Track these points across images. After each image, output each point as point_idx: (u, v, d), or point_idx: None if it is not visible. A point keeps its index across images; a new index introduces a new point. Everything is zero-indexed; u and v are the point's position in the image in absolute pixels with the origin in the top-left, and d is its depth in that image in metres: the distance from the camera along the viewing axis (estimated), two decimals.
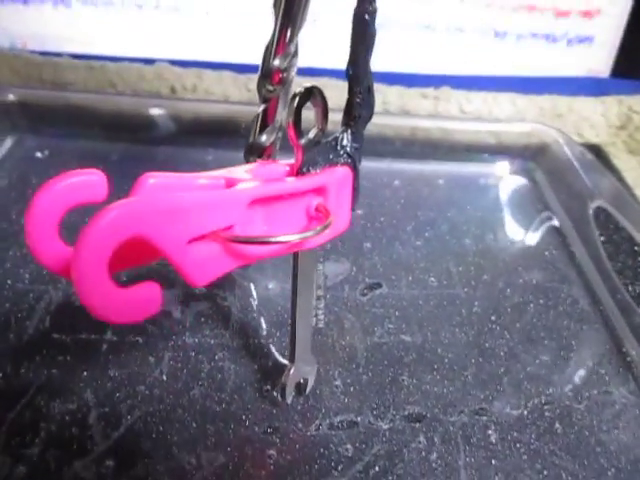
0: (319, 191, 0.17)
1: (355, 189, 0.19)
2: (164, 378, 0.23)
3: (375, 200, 0.32)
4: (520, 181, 0.36)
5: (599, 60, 0.46)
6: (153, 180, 0.15)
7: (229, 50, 0.41)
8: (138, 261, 0.15)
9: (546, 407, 0.24)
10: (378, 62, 0.44)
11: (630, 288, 0.28)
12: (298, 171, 0.17)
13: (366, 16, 0.17)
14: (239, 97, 0.39)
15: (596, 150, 0.41)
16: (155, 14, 0.41)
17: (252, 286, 0.27)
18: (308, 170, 0.17)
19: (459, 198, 0.34)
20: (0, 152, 0.32)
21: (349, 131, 0.18)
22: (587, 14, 0.45)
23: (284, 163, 0.18)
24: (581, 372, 0.25)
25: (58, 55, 0.41)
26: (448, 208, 0.33)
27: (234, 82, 0.40)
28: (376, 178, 0.34)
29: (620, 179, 0.38)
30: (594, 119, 0.42)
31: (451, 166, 0.36)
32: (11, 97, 0.34)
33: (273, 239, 0.15)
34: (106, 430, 0.21)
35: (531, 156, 0.36)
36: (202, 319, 0.25)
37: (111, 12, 0.42)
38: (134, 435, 0.21)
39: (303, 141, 0.18)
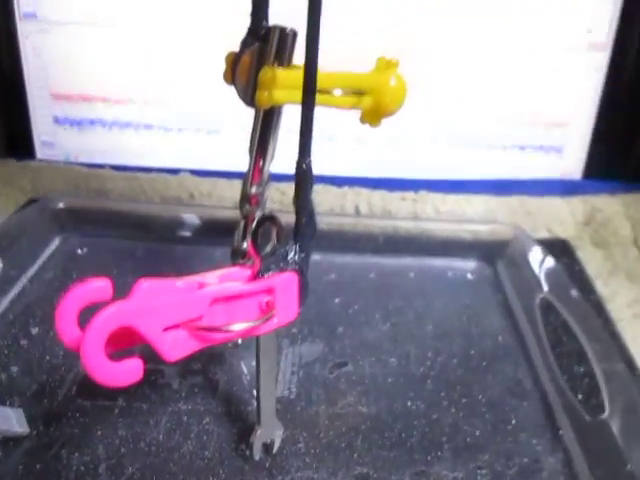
0: (269, 291, 0.23)
1: (302, 289, 0.25)
2: (160, 438, 0.28)
3: (351, 290, 0.38)
4: (484, 273, 0.41)
5: (569, 164, 0.52)
6: (145, 284, 0.21)
7: (240, 160, 0.49)
8: (132, 343, 0.21)
9: (479, 471, 0.28)
10: (363, 169, 0.51)
11: (566, 372, 0.32)
12: (255, 276, 0.24)
13: (304, 166, 0.23)
14: None
15: (563, 244, 0.46)
16: (179, 134, 0.50)
17: (241, 363, 0.33)
18: (263, 275, 0.24)
19: (427, 289, 0.39)
20: (49, 250, 0.40)
21: (297, 245, 0.24)
22: (556, 125, 0.51)
23: (249, 267, 0.25)
24: (516, 442, 0.29)
25: (101, 167, 0.49)
26: (416, 298, 0.38)
27: None
28: (355, 271, 0.40)
29: (582, 270, 0.43)
30: (561, 216, 0.47)
31: (422, 260, 0.41)
32: (61, 205, 0.42)
33: (226, 328, 0.21)
34: (112, 478, 0.26)
35: (495, 251, 0.42)
36: (195, 390, 0.31)
37: (144, 131, 0.51)
38: None
39: (262, 254, 0.24)
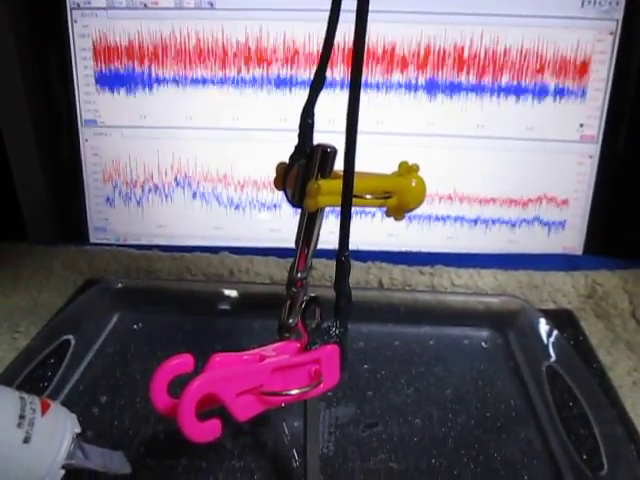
0: (316, 361, 0.28)
1: (342, 358, 0.30)
2: None
3: (378, 357, 0.43)
4: (496, 342, 0.45)
5: (571, 241, 0.57)
6: (218, 358, 0.27)
7: (275, 239, 0.55)
8: (211, 405, 0.26)
9: None
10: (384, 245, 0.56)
11: (571, 434, 0.36)
12: (304, 348, 0.29)
13: (343, 258, 0.29)
14: (280, 277, 0.52)
15: (568, 314, 0.50)
16: (221, 212, 0.57)
17: (284, 424, 0.37)
18: (311, 347, 0.29)
19: (445, 356, 0.43)
20: (109, 326, 0.46)
21: (337, 322, 0.30)
22: (558, 203, 0.57)
23: (296, 341, 0.30)
24: None
25: (149, 248, 0.55)
26: (435, 364, 0.43)
27: (277, 265, 0.53)
28: (380, 339, 0.45)
29: (586, 339, 0.47)
30: (565, 289, 0.51)
31: (440, 329, 0.46)
32: (119, 285, 0.48)
33: (284, 392, 0.26)
34: None
35: (506, 322, 0.46)
36: (246, 449, 0.35)
37: (190, 212, 0.57)
38: None
39: (308, 329, 0.29)
